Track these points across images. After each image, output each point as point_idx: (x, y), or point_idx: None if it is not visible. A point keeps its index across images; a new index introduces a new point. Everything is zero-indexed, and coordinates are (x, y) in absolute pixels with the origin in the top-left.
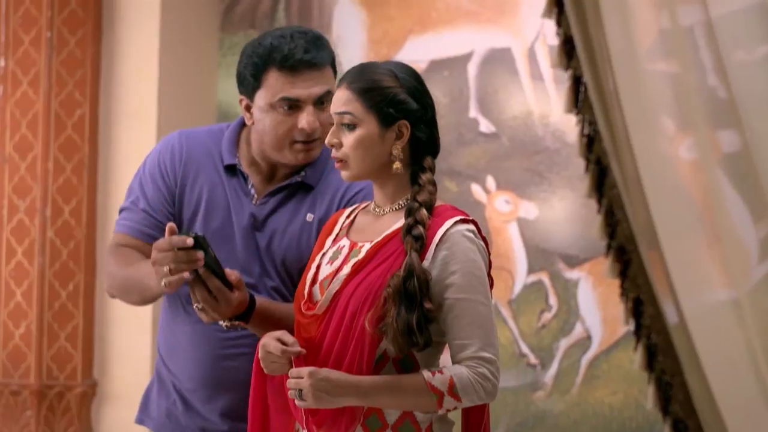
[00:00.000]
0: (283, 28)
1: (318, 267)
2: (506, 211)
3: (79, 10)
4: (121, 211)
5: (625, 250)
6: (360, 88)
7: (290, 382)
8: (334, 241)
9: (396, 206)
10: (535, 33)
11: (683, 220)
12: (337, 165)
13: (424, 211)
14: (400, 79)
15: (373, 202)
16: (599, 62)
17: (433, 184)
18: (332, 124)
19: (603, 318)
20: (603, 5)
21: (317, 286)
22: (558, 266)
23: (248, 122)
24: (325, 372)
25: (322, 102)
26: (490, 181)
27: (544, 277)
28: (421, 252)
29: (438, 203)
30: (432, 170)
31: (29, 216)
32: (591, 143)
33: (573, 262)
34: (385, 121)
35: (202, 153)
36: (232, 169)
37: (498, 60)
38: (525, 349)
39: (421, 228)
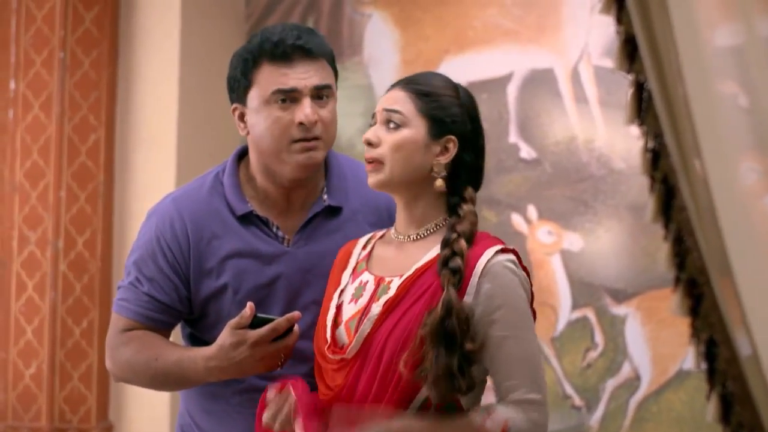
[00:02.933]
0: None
1: (339, 306)
2: (549, 243)
3: (93, 29)
4: (119, 287)
5: (697, 284)
6: (416, 90)
7: None
8: (353, 275)
9: (423, 232)
10: (578, 52)
11: (755, 245)
12: (368, 167)
13: (463, 242)
14: (460, 93)
15: (393, 229)
16: (666, 66)
17: (475, 215)
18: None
19: (652, 357)
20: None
21: (342, 327)
22: (604, 301)
23: (242, 132)
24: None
25: (321, 97)
26: (532, 211)
27: (590, 313)
28: (460, 286)
29: None
30: (473, 202)
31: (40, 248)
32: (656, 159)
33: (620, 297)
34: (435, 131)
35: (207, 215)
36: (248, 218)
37: (539, 81)
38: (569, 390)
39: (459, 260)
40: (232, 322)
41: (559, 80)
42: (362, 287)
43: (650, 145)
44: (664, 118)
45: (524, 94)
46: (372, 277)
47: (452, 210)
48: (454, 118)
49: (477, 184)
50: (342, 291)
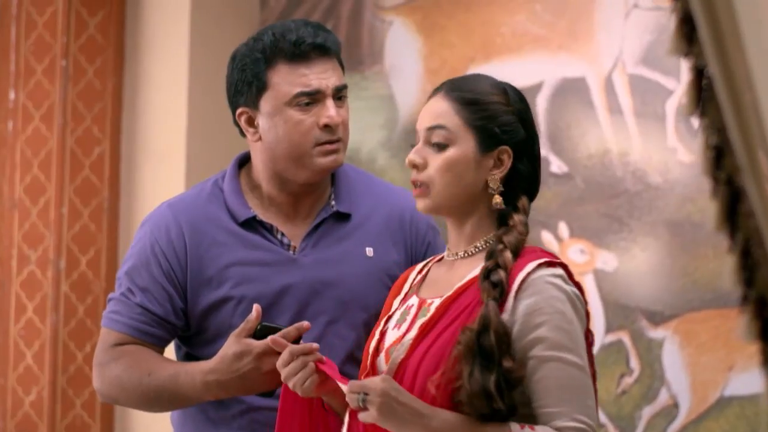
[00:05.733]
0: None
1: (383, 334)
2: (581, 262)
3: (98, 36)
4: (109, 300)
5: (767, 303)
6: (461, 98)
7: (354, 385)
8: (402, 301)
9: (473, 249)
10: (612, 60)
11: None
12: (415, 192)
13: (508, 254)
14: (510, 96)
15: (447, 250)
16: (730, 48)
17: (526, 226)
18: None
19: (691, 383)
20: None
21: (382, 355)
22: (640, 324)
23: (252, 138)
24: (400, 390)
25: (340, 97)
26: (563, 228)
27: (625, 337)
28: (501, 301)
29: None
30: (526, 213)
31: (41, 268)
32: (720, 157)
33: (657, 319)
34: (486, 144)
35: (206, 221)
36: (250, 225)
37: (571, 91)
38: (603, 417)
39: (502, 273)
40: (236, 330)
41: (591, 90)
42: (407, 312)
43: (712, 141)
44: (728, 109)
45: (555, 105)
46: (417, 300)
47: (502, 221)
48: (506, 127)
49: (532, 194)
50: (389, 317)
